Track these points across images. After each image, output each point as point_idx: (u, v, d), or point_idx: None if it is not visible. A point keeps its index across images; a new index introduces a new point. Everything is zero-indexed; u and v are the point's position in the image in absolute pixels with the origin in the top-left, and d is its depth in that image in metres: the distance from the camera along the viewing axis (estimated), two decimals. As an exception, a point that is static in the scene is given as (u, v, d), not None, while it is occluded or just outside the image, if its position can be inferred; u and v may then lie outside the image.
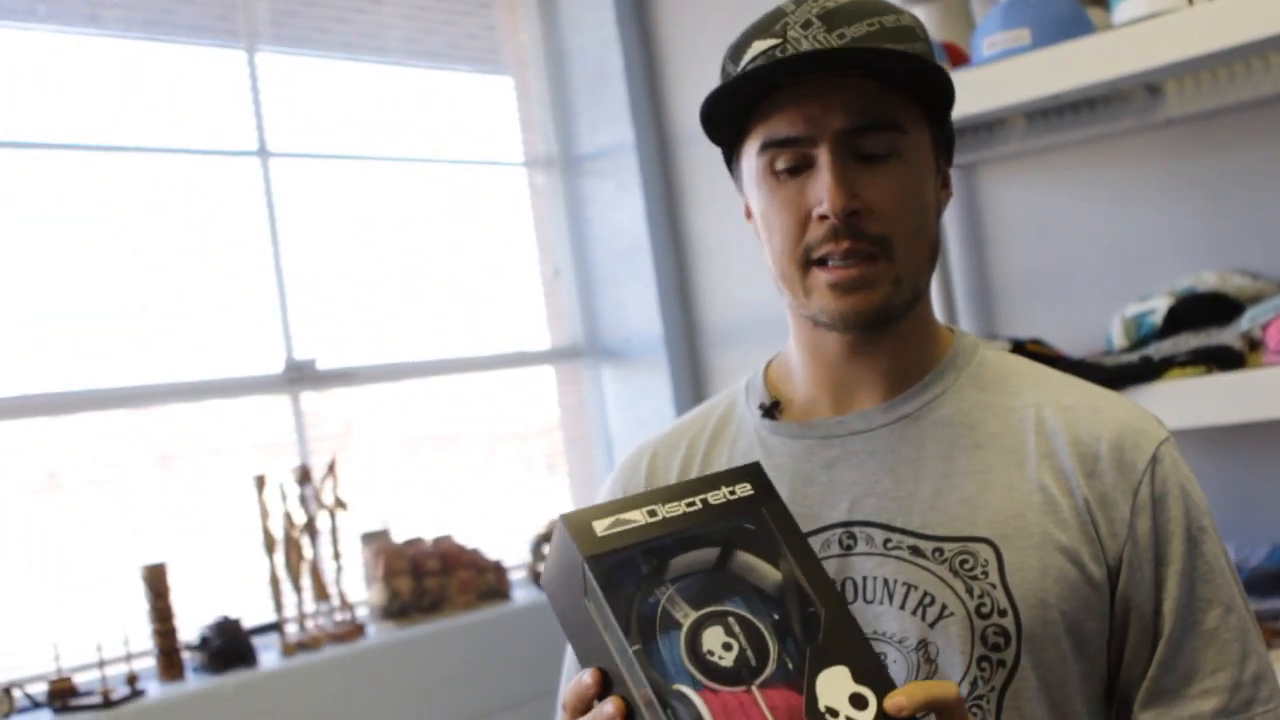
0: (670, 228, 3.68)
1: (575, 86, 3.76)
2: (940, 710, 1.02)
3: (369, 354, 3.31)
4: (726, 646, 1.02)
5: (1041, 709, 1.18)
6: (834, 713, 1.00)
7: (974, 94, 2.47)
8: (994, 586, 1.18)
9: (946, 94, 1.24)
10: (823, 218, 1.18)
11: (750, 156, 1.24)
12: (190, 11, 3.13)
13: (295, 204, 3.20)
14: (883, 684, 1.03)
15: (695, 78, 3.60)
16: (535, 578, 3.38)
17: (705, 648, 1.02)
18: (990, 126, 2.79)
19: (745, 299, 3.53)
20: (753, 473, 1.13)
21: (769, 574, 1.07)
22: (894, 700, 1.00)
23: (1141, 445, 1.22)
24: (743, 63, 1.22)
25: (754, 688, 1.01)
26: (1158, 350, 2.41)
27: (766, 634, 1.04)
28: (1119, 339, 2.60)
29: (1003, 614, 1.17)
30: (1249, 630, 1.21)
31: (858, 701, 1.01)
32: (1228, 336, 2.37)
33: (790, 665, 1.02)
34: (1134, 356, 2.43)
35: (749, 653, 1.02)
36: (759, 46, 1.22)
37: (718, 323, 3.62)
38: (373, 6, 3.46)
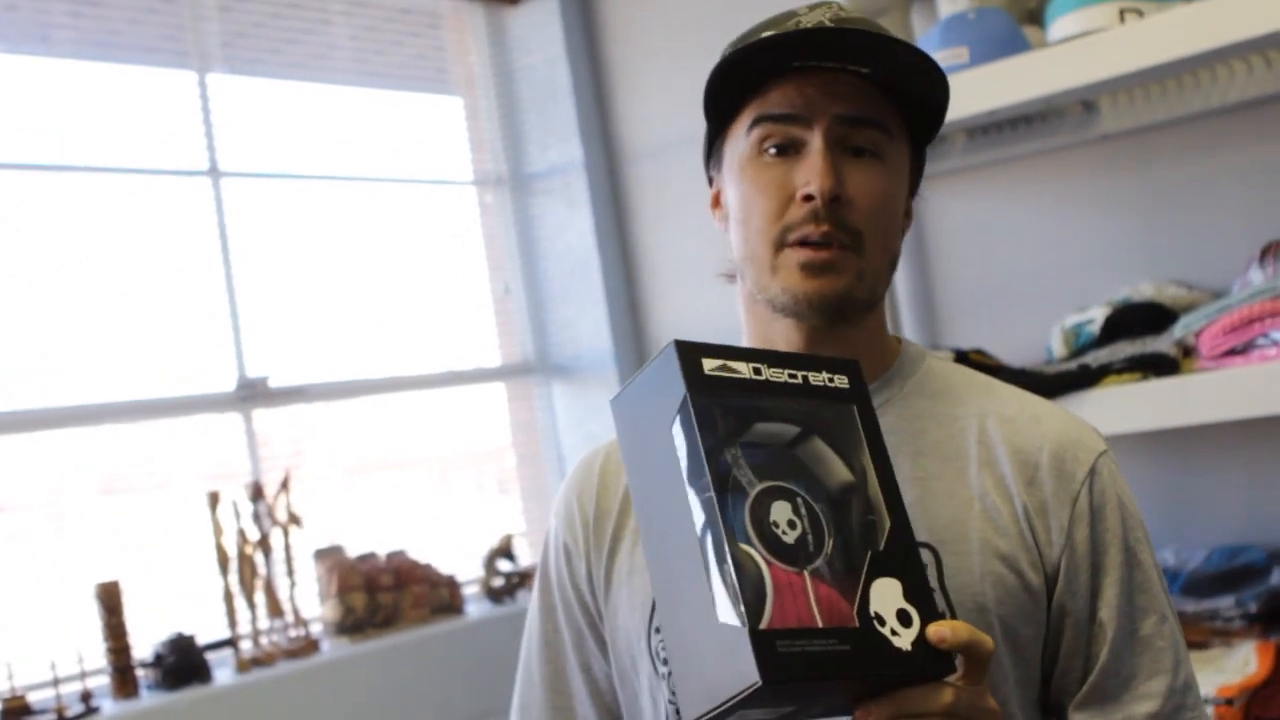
0: (619, 245, 3.72)
1: (524, 106, 3.80)
2: (972, 658, 1.03)
3: (321, 371, 3.32)
4: (791, 524, 1.01)
5: None
6: (881, 620, 1.00)
7: (915, 110, 2.52)
8: (933, 590, 1.20)
9: (937, 114, 1.29)
10: (807, 198, 1.21)
11: (738, 137, 1.27)
12: (140, 33, 3.15)
13: (246, 223, 3.21)
14: (929, 609, 1.02)
15: (644, 96, 3.64)
16: (488, 592, 3.39)
17: (771, 518, 1.00)
18: (931, 142, 2.84)
19: (694, 314, 3.57)
20: (852, 369, 1.12)
21: (838, 470, 1.05)
22: (938, 630, 1.01)
23: (1080, 456, 1.25)
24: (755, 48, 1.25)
25: (806, 572, 0.99)
26: (1095, 358, 2.46)
27: (826, 528, 1.02)
28: (1059, 348, 2.66)
29: (940, 617, 1.21)
30: (1179, 640, 1.25)
31: (904, 618, 1.01)
32: (1162, 344, 2.42)
33: (838, 564, 1.01)
34: (1073, 365, 2.47)
35: (809, 537, 1.01)
36: (769, 34, 1.24)
37: (667, 338, 3.64)
38: (322, 28, 3.48)
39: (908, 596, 1.02)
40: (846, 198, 1.21)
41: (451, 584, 3.29)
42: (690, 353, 1.04)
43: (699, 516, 0.98)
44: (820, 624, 0.97)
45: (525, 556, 3.65)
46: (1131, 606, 1.23)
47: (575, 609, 1.39)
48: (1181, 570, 2.59)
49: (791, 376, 1.07)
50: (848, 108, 1.22)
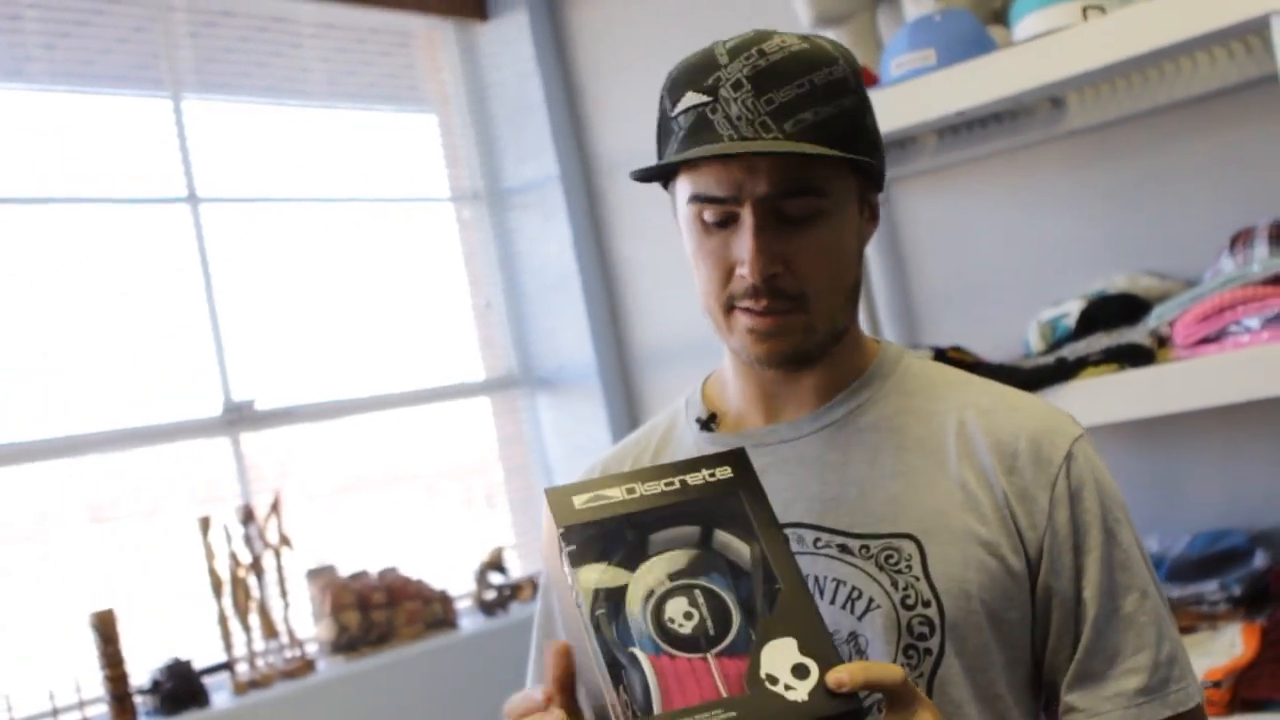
0: (598, 256, 3.74)
1: (498, 121, 3.82)
2: (885, 692, 1.07)
3: (307, 392, 3.34)
4: (688, 615, 1.08)
5: (966, 694, 1.24)
6: (773, 680, 1.05)
7: (884, 114, 2.49)
8: (918, 579, 1.24)
9: (872, 146, 1.28)
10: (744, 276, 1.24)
11: (681, 198, 1.29)
12: (113, 62, 3.16)
13: (227, 248, 3.23)
14: (828, 658, 1.07)
15: (616, 107, 3.67)
16: (481, 605, 3.41)
17: (668, 615, 1.08)
18: (902, 144, 2.88)
19: (675, 323, 3.60)
20: (735, 457, 1.19)
21: (743, 551, 1.13)
22: (835, 675, 1.05)
23: (1057, 442, 1.28)
24: (678, 109, 1.26)
25: (710, 656, 1.06)
26: (1072, 351, 2.49)
27: (733, 608, 1.09)
28: (1036, 342, 2.68)
29: (926, 605, 1.23)
30: (1163, 614, 1.28)
31: (800, 671, 1.06)
32: (1137, 335, 2.45)
33: (742, 640, 1.07)
34: (1050, 358, 2.50)
35: (709, 623, 1.08)
36: (692, 99, 1.25)
37: (649, 347, 3.68)
38: (293, 51, 3.50)
39: (803, 650, 1.07)
40: (786, 267, 1.23)
41: (444, 599, 3.31)
42: (559, 496, 1.14)
43: (590, 637, 1.07)
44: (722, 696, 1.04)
45: (516, 569, 3.67)
46: (1113, 585, 1.26)
47: None
48: (1165, 557, 2.62)
49: (668, 485, 1.16)
50: (771, 185, 1.22)
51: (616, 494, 1.14)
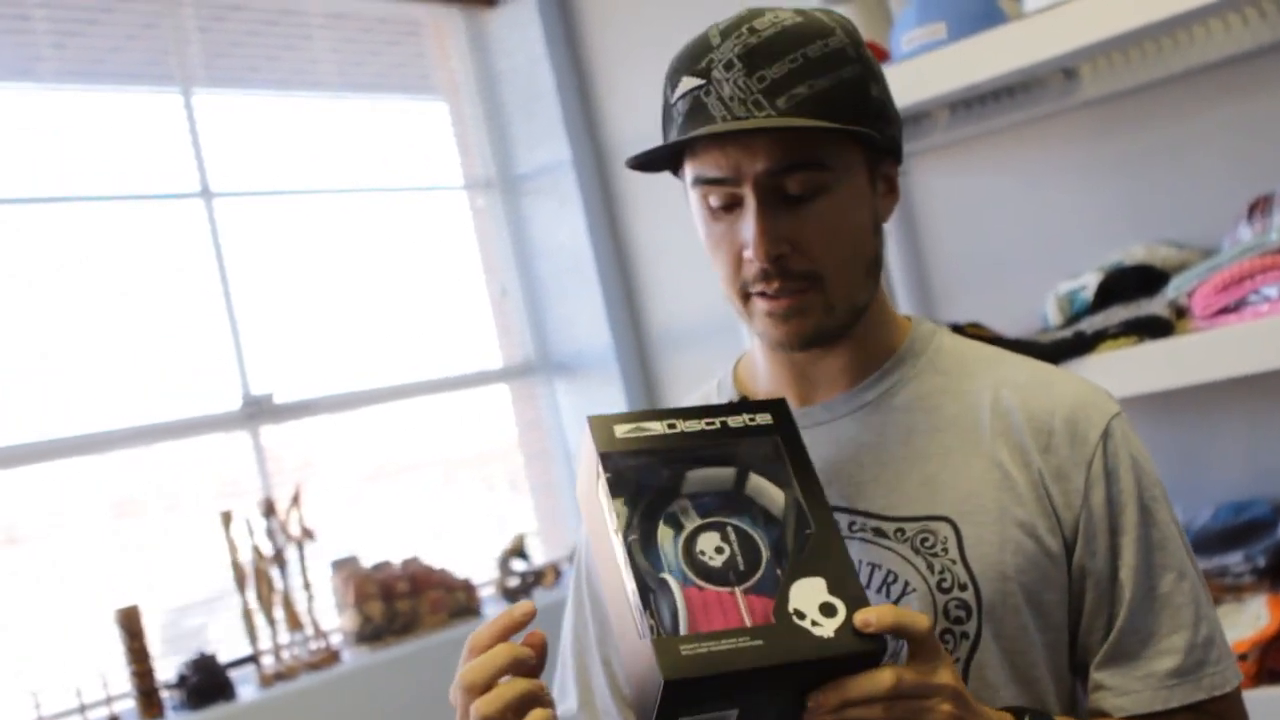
0: (612, 240, 3.73)
1: (509, 107, 3.81)
2: (910, 638, 1.07)
3: (325, 384, 3.34)
4: (719, 550, 1.09)
5: (1004, 677, 1.22)
6: (800, 615, 1.06)
7: (896, 89, 2.47)
8: (954, 562, 1.22)
9: (878, 117, 1.25)
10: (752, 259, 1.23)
11: (688, 181, 1.28)
12: (123, 59, 3.16)
13: (241, 241, 3.23)
14: (856, 599, 1.07)
15: (627, 90, 3.65)
16: (504, 592, 3.42)
17: (699, 548, 1.09)
18: (916, 119, 2.86)
19: (691, 305, 3.59)
20: (776, 406, 1.19)
21: (776, 498, 1.14)
22: (863, 615, 1.05)
23: (1094, 419, 1.27)
24: (675, 95, 1.25)
25: (738, 590, 1.07)
26: (1091, 324, 2.47)
27: (763, 548, 1.10)
28: (1054, 316, 2.67)
29: (963, 588, 1.22)
30: (1200, 595, 1.26)
31: (827, 610, 1.06)
32: (1156, 306, 2.43)
33: (771, 578, 1.08)
34: (1068, 332, 2.49)
35: (739, 559, 1.09)
36: (687, 84, 1.24)
37: (666, 330, 3.68)
38: (303, 43, 3.50)
39: (832, 590, 1.08)
40: (793, 247, 1.22)
41: (468, 587, 3.31)
42: (601, 423, 1.15)
43: (621, 560, 1.08)
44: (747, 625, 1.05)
45: (538, 555, 3.67)
46: (1149, 565, 1.24)
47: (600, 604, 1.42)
48: (1189, 529, 2.60)
49: (709, 424, 1.17)
50: (770, 161, 1.20)
51: (658, 427, 1.15)
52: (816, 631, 1.05)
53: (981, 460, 1.26)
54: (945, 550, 1.23)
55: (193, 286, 3.13)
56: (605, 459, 1.12)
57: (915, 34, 2.57)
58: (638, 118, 3.63)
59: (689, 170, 1.26)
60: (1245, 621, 2.35)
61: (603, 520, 1.11)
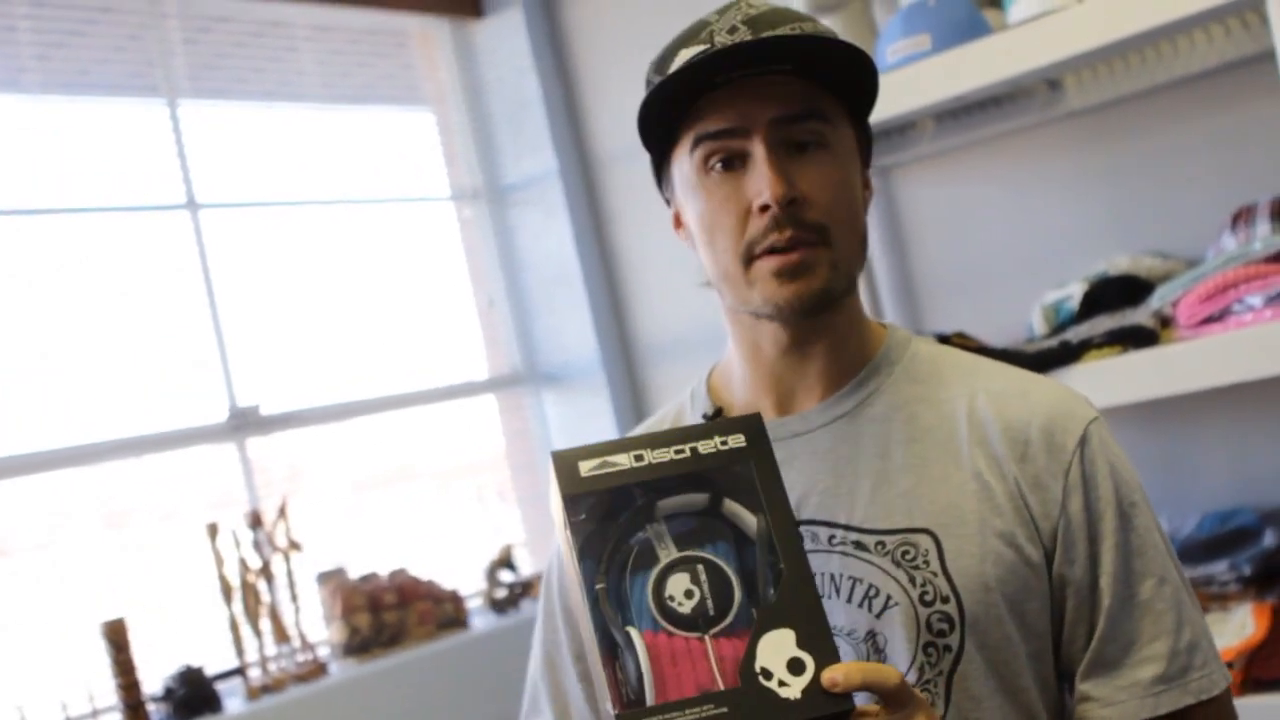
0: (599, 250, 3.73)
1: (496, 118, 3.81)
2: (880, 694, 1.06)
3: (312, 396, 3.34)
4: (688, 594, 1.07)
5: (989, 689, 1.22)
6: (767, 674, 1.04)
7: (882, 100, 2.48)
8: (935, 575, 1.22)
9: (870, 91, 1.29)
10: (763, 208, 1.22)
11: (683, 159, 1.28)
12: (109, 70, 3.16)
13: (228, 253, 3.23)
14: (825, 654, 1.06)
15: (614, 101, 3.66)
16: (492, 604, 3.41)
17: (668, 593, 1.07)
18: (902, 130, 2.87)
19: (678, 315, 3.59)
20: (750, 424, 1.16)
21: (752, 523, 1.11)
22: (830, 675, 1.04)
23: (1070, 427, 1.26)
24: (672, 70, 1.25)
25: (707, 636, 1.05)
26: (1076, 334, 2.48)
27: (735, 584, 1.08)
28: (1039, 326, 2.67)
29: (945, 600, 1.21)
30: (1183, 600, 1.26)
31: (795, 667, 1.05)
32: (1140, 316, 2.44)
33: (742, 621, 1.06)
34: (1053, 341, 2.49)
35: (709, 602, 1.07)
36: (686, 54, 1.25)
37: (653, 340, 3.68)
38: (288, 54, 3.49)
39: (801, 644, 1.06)
40: (801, 197, 1.22)
41: (455, 598, 3.31)
42: (565, 462, 1.11)
43: (587, 621, 1.06)
44: (721, 685, 1.03)
45: (526, 566, 3.67)
46: (1128, 571, 1.24)
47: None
48: (1174, 537, 2.61)
49: (679, 452, 1.12)
50: (781, 108, 1.22)
51: (625, 461, 1.11)
52: (783, 693, 1.03)
53: (960, 471, 1.26)
54: (927, 563, 1.22)
55: (178, 298, 3.13)
56: (572, 503, 1.09)
57: (900, 45, 2.58)
58: (624, 128, 3.63)
59: (688, 137, 1.27)
60: (1231, 630, 2.35)
61: (572, 565, 1.09)
